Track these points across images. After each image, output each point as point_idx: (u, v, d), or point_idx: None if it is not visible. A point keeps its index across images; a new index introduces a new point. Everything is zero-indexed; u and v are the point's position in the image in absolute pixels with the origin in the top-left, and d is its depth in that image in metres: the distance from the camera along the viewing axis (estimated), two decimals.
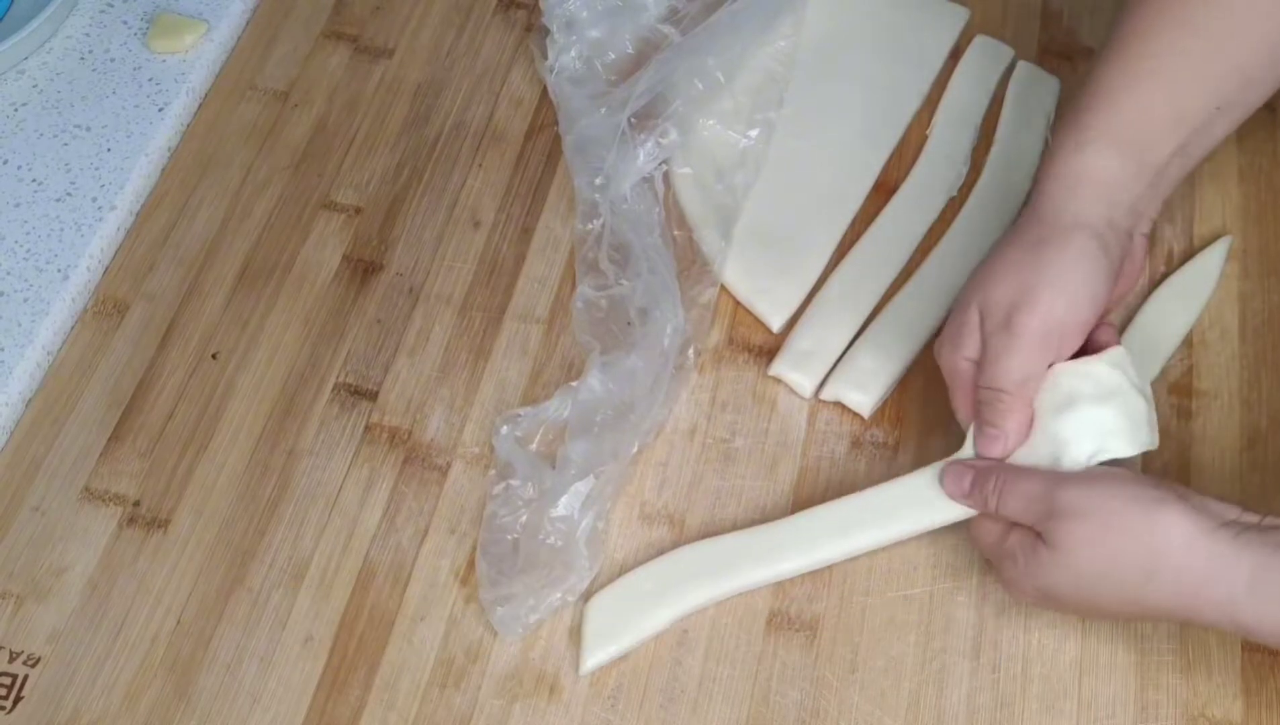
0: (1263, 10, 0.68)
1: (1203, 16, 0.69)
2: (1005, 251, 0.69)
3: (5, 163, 0.85)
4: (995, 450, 0.68)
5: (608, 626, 0.69)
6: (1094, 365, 0.68)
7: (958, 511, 0.68)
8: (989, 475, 0.66)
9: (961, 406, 0.70)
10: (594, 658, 0.69)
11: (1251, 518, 0.61)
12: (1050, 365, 0.68)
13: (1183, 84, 0.69)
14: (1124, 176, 0.68)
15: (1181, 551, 0.61)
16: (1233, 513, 0.62)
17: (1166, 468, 0.74)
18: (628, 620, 0.70)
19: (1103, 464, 0.67)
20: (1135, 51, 0.69)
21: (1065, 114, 0.70)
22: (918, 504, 0.69)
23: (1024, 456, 0.68)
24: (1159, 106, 0.69)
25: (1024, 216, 0.70)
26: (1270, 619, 0.60)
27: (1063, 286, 0.66)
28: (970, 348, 0.69)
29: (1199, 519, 0.61)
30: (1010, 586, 0.66)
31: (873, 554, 0.72)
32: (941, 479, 0.68)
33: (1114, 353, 0.69)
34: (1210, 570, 0.60)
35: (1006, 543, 0.65)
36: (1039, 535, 0.64)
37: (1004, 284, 0.67)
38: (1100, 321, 0.69)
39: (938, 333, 0.78)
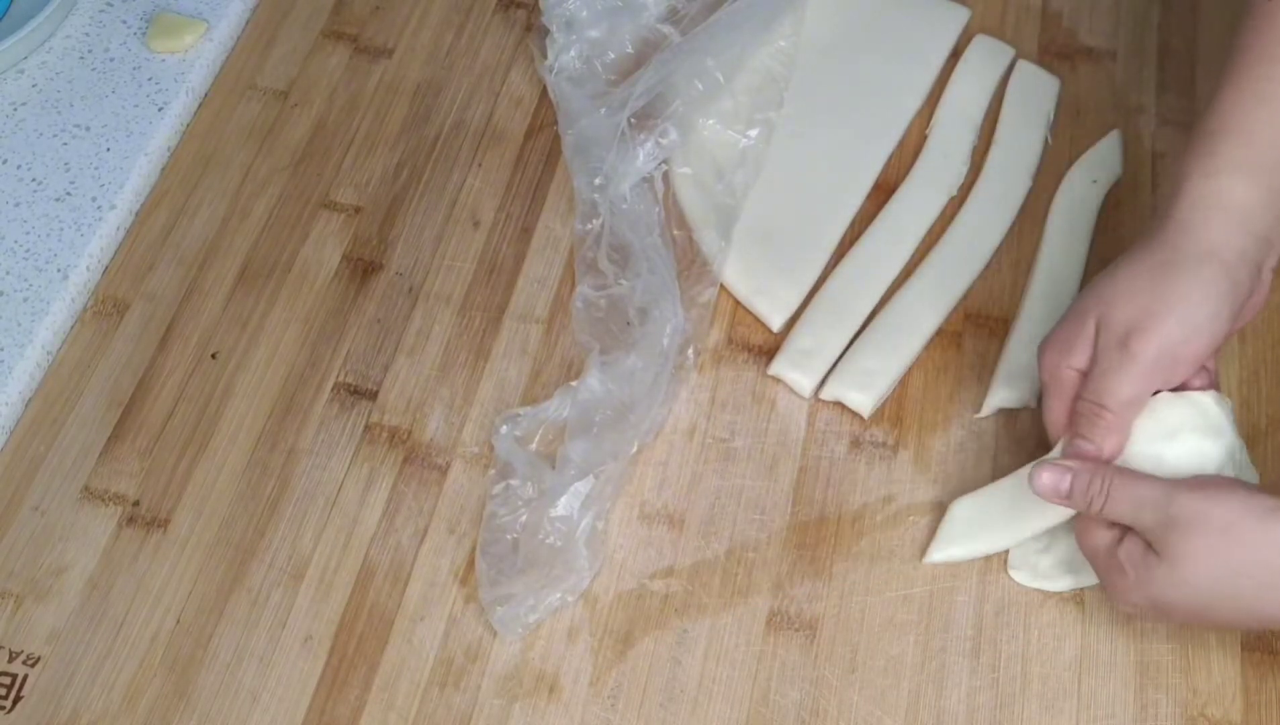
0: None
1: None
2: (1131, 269, 0.67)
3: (5, 162, 0.85)
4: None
5: (966, 529, 0.71)
6: (1202, 398, 0.67)
7: None
8: (1094, 475, 0.64)
9: (1057, 415, 0.68)
10: (943, 552, 0.71)
11: None
12: (1155, 392, 0.67)
13: None
14: (1258, 204, 0.66)
15: None
16: None
17: None
18: (988, 525, 0.71)
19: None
20: (1263, 74, 0.67)
21: (1191, 138, 0.68)
22: None
23: None
24: None
25: (1153, 238, 0.67)
26: None
27: (1186, 316, 0.65)
28: (1080, 358, 0.67)
29: None
30: (1117, 597, 0.65)
31: (873, 554, 0.72)
32: (1030, 479, 0.66)
33: (1217, 394, 0.68)
34: None
35: (1117, 554, 0.64)
36: (1149, 545, 0.62)
37: (1127, 303, 0.65)
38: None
39: (938, 332, 0.78)
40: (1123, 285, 0.66)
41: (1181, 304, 0.65)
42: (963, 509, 0.72)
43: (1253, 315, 0.70)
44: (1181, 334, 0.65)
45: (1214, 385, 0.69)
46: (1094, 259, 0.80)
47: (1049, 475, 0.66)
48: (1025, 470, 0.69)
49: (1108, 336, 0.66)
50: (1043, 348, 0.69)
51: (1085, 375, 0.67)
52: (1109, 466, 0.65)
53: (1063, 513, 0.68)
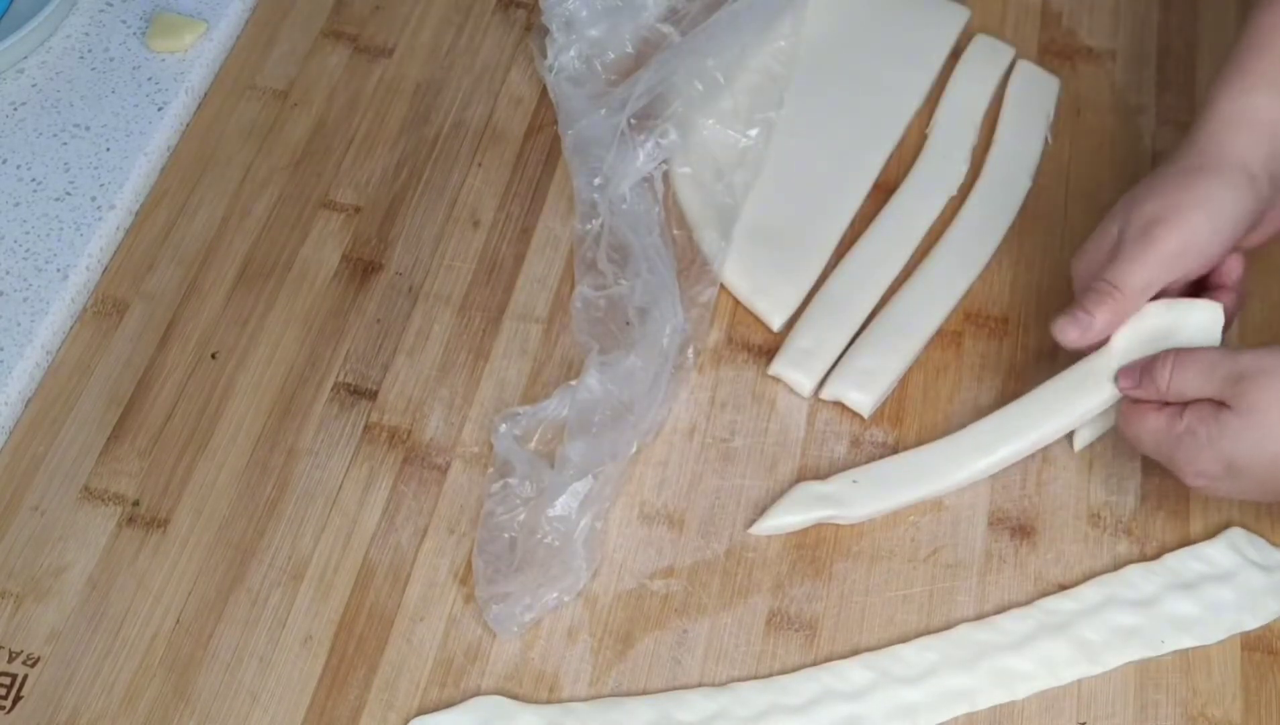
0: None
1: None
2: (1157, 176, 0.70)
3: (4, 162, 0.85)
4: (1070, 335, 0.69)
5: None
6: (1187, 306, 0.70)
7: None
8: (1159, 358, 0.67)
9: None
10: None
11: None
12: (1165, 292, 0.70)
13: None
14: None
15: None
16: None
17: None
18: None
19: None
20: None
21: (1228, 57, 0.71)
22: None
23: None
24: None
25: (1182, 148, 0.71)
26: None
27: (1208, 212, 0.68)
28: (1105, 259, 0.70)
29: None
30: (1189, 467, 0.66)
31: (873, 554, 0.72)
32: (1115, 379, 0.69)
33: (1211, 304, 0.70)
34: None
35: (1180, 424, 0.65)
36: (1220, 405, 0.64)
37: (1151, 201, 0.69)
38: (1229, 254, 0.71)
39: (938, 332, 0.78)
40: (1149, 189, 0.70)
41: (1204, 200, 0.68)
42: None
43: (1271, 232, 0.73)
44: (1204, 229, 0.68)
45: (1235, 306, 0.72)
46: None
47: (1124, 374, 0.69)
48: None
49: (1132, 229, 0.69)
50: (1076, 259, 0.72)
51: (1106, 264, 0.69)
52: (1167, 350, 0.67)
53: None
